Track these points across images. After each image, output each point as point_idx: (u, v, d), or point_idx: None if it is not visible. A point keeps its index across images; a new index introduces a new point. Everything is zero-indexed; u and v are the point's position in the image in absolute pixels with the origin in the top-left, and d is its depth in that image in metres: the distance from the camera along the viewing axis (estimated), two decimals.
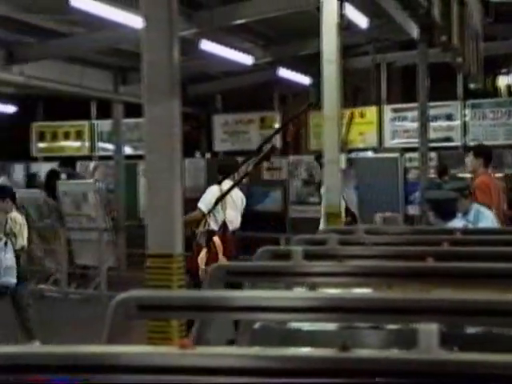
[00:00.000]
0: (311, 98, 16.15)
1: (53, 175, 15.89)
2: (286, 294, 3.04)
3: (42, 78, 12.96)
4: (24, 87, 14.75)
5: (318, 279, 3.34)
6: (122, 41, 11.91)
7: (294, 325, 3.64)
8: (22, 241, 8.93)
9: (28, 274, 9.52)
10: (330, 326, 3.41)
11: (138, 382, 2.02)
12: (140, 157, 18.62)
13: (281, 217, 16.57)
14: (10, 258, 8.35)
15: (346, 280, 3.38)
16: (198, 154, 18.93)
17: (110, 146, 18.33)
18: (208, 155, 18.80)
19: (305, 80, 16.36)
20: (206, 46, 12.24)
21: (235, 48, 13.13)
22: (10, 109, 19.16)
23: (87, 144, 19.64)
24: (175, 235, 5.83)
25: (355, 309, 2.52)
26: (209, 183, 16.35)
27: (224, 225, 8.96)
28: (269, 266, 3.40)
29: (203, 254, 8.65)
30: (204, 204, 8.63)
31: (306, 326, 3.61)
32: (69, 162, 17.36)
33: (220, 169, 9.19)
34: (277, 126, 17.54)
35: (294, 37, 14.30)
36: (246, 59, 13.62)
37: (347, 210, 10.59)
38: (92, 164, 19.15)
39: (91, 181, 17.16)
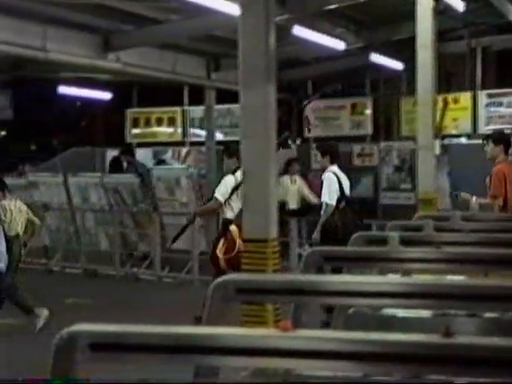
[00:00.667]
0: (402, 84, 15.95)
1: (115, 163, 16.32)
2: (381, 279, 3.03)
3: (137, 65, 13.17)
4: (119, 74, 15.04)
5: (414, 265, 3.32)
6: (216, 27, 12.00)
7: (388, 311, 3.62)
8: (17, 227, 9.46)
9: (20, 261, 9.82)
10: (425, 314, 3.39)
11: (239, 364, 2.05)
12: (231, 142, 18.76)
13: (372, 203, 16.44)
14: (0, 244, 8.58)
15: (442, 267, 3.34)
16: (288, 141, 18.93)
17: (201, 132, 18.51)
18: (298, 141, 18.78)
19: (397, 65, 16.15)
20: (299, 31, 12.22)
21: (327, 33, 13.07)
22: (106, 96, 19.59)
23: (179, 130, 19.88)
24: (270, 220, 5.86)
25: (451, 295, 2.50)
26: (299, 169, 16.34)
27: (241, 213, 9.00)
28: (365, 252, 3.39)
29: (221, 243, 8.69)
30: (221, 193, 8.71)
31: (401, 313, 3.59)
32: (127, 151, 17.50)
33: (232, 154, 8.98)
34: (368, 111, 17.40)
35: (386, 21, 14.14)
36: (338, 44, 13.54)
37: None
38: (184, 150, 19.39)
39: (184, 166, 17.44)
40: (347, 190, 9.18)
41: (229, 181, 8.76)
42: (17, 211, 9.57)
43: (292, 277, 3.25)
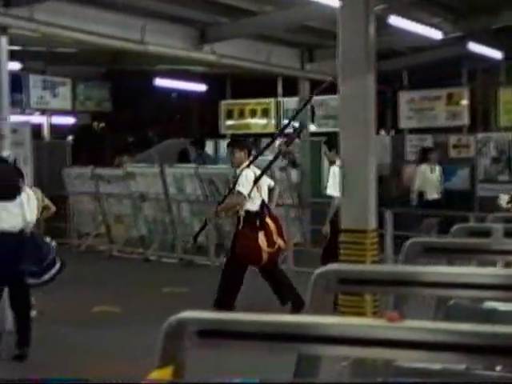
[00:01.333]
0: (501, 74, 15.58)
1: (183, 155, 16.52)
2: (485, 271, 2.98)
3: (232, 57, 13.28)
4: (214, 66, 15.20)
5: None
6: (311, 18, 11.99)
7: (488, 304, 3.57)
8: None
9: None
10: None
11: (342, 353, 2.06)
12: (325, 134, 18.73)
13: (468, 195, 16.16)
14: None
15: None
16: (382, 132, 18.77)
17: (295, 124, 18.51)
18: (392, 132, 18.59)
19: (496, 54, 15.79)
20: (395, 21, 12.08)
21: (424, 23, 12.88)
22: (201, 87, 19.82)
23: (273, 121, 19.94)
24: (369, 211, 5.85)
25: None
26: (393, 161, 16.19)
27: (265, 205, 9.11)
28: (467, 243, 3.35)
29: (262, 236, 8.84)
30: (245, 188, 8.89)
31: (501, 306, 3.53)
32: (196, 142, 17.64)
33: (242, 147, 9.35)
34: (464, 102, 17.07)
35: (485, 10, 13.83)
36: (435, 34, 13.32)
37: None
38: (277, 141, 19.44)
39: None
40: None
41: (249, 175, 8.97)
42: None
43: (394, 268, 3.24)
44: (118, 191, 14.85)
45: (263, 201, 9.09)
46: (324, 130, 18.85)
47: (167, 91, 21.46)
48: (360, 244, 5.75)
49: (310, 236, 14.43)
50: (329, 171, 9.25)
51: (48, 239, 7.75)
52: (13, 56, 9.25)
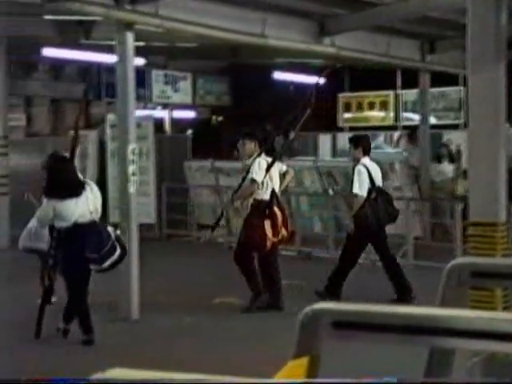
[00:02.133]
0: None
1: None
2: None
3: (351, 49, 13.19)
4: (331, 58, 15.15)
5: None
6: (433, 8, 11.78)
7: None
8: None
9: None
10: None
11: (477, 347, 2.02)
12: (444, 126, 18.42)
13: None
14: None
15: None
16: (507, 124, 18.28)
17: (414, 116, 18.28)
18: None
19: None
20: None
21: None
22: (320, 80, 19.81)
23: (391, 114, 19.75)
24: (499, 203, 5.71)
25: None
26: None
27: (274, 195, 9.18)
28: None
29: (268, 225, 8.98)
30: (259, 176, 9.05)
31: None
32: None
33: (253, 138, 9.45)
34: None
35: None
36: None
37: None
38: (396, 134, 19.24)
39: (399, 150, 17.30)
40: (379, 182, 9.61)
41: (262, 163, 9.10)
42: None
43: None
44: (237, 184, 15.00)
45: (273, 190, 9.19)
46: (444, 122, 18.55)
47: (285, 85, 21.55)
48: (489, 237, 5.61)
49: (429, 230, 14.20)
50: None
51: (109, 228, 8.13)
52: (137, 52, 9.47)
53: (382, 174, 10.18)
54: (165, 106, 19.34)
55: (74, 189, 7.81)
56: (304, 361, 2.01)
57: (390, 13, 11.90)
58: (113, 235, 7.91)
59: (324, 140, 20.38)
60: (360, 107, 20.20)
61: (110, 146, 12.65)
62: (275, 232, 9.05)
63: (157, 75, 18.57)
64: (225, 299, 9.86)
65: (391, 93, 19.53)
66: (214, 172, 15.47)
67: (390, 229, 10.11)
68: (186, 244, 15.26)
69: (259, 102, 22.32)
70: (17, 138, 17.91)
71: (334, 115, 20.41)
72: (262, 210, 9.09)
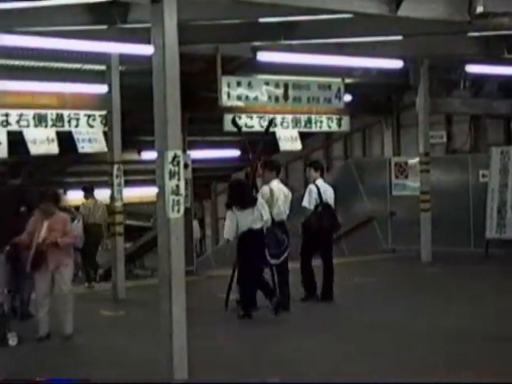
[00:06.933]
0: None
1: None
2: None
3: None
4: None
5: None
6: None
7: None
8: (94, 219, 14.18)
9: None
10: None
11: None
12: None
13: None
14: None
15: None
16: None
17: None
18: None
19: None
20: None
21: None
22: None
23: None
24: None
25: None
26: None
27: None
28: None
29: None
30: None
31: None
32: None
33: (272, 168, 10.98)
34: None
35: None
36: None
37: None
38: None
39: None
40: (329, 199, 11.32)
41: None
42: (97, 208, 14.15)
43: None
44: None
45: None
46: None
47: None
48: None
49: None
50: None
51: (283, 235, 10.24)
52: None
53: None
54: None
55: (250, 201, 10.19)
56: None
57: None
58: (286, 238, 10.21)
59: None
60: None
61: None
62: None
63: None
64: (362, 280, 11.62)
65: None
66: None
67: None
68: None
69: None
70: (437, 154, 18.29)
71: None
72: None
